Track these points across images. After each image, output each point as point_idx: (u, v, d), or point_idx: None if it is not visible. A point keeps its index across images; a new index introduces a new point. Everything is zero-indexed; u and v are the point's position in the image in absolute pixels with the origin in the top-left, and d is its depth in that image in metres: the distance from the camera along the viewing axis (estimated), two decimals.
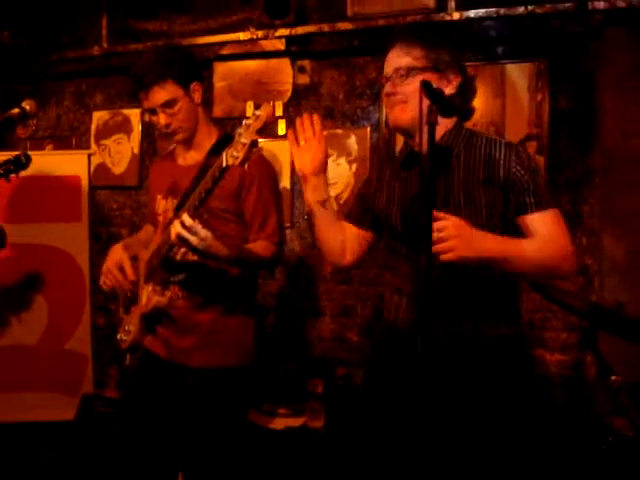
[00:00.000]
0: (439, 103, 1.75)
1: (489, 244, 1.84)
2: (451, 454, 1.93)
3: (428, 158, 1.75)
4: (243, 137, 1.99)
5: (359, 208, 2.31)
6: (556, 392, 3.54)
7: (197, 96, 2.47)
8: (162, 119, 2.40)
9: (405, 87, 2.03)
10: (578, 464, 2.94)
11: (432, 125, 1.76)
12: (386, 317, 2.18)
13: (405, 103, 2.03)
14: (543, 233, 1.96)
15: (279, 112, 4.01)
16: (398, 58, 2.05)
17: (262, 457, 3.23)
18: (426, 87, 1.77)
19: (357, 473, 2.13)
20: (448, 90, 2.03)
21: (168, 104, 2.38)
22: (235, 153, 1.99)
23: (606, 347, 2.86)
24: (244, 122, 2.02)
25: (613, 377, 2.39)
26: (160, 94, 2.36)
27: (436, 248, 1.72)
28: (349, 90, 3.94)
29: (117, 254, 2.47)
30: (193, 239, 2.08)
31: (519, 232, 1.99)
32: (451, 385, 1.95)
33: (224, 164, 2.03)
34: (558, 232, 1.97)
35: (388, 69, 2.07)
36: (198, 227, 2.08)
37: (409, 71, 2.02)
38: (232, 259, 2.26)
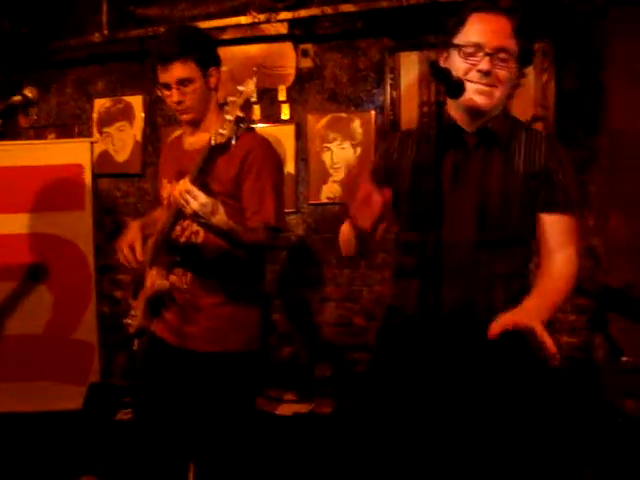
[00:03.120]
0: (445, 82, 1.72)
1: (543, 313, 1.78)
2: (462, 440, 1.91)
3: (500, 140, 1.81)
4: (228, 114, 2.05)
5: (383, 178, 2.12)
6: (565, 375, 3.53)
7: (213, 81, 2.48)
8: (175, 95, 2.41)
9: (506, 67, 1.90)
10: (589, 447, 2.94)
11: (439, 105, 1.73)
12: (393, 303, 2.13)
13: (496, 87, 1.91)
14: (554, 245, 1.94)
15: (282, 97, 3.98)
16: (504, 35, 1.89)
17: (270, 444, 3.22)
18: (433, 66, 1.74)
19: (366, 459, 2.12)
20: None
21: (184, 82, 2.39)
22: (222, 130, 2.06)
23: (615, 329, 2.86)
24: (228, 99, 2.07)
25: (624, 358, 2.37)
26: (179, 70, 2.38)
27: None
28: (353, 73, 3.90)
29: (132, 232, 2.45)
30: (193, 203, 2.07)
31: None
32: (462, 369, 1.90)
33: (212, 142, 2.08)
34: (569, 248, 1.95)
35: (492, 41, 1.87)
36: (198, 192, 2.08)
37: (509, 56, 1.90)
38: (232, 233, 2.24)
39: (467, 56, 1.89)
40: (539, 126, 3.49)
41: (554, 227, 1.96)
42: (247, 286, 2.50)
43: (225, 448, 2.47)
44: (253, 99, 2.10)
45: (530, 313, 1.74)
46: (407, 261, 2.05)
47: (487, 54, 1.86)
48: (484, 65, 1.86)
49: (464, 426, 1.91)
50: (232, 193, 2.40)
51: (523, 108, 3.52)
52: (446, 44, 1.95)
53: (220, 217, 2.15)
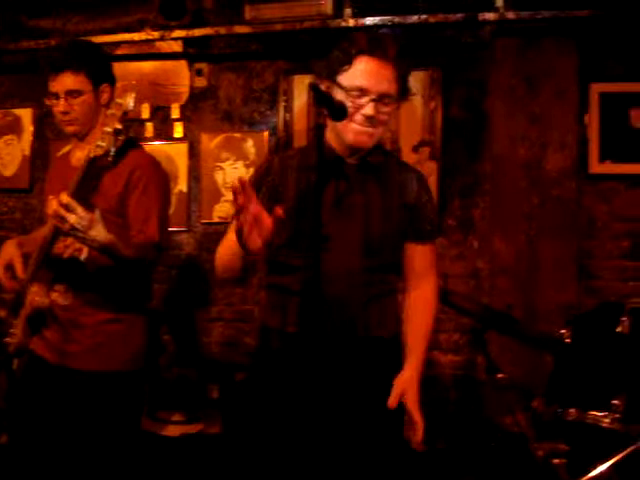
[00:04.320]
0: (328, 106, 1.77)
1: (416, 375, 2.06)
2: (340, 453, 1.97)
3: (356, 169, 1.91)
4: (107, 126, 2.06)
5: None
6: (449, 392, 3.63)
7: (104, 97, 2.46)
8: (62, 105, 2.39)
9: (387, 111, 2.01)
10: (471, 461, 3.02)
11: (320, 128, 1.77)
12: (268, 322, 2.16)
13: (377, 128, 2.01)
14: (420, 270, 2.15)
15: (176, 114, 3.97)
16: (388, 83, 1.98)
17: (157, 465, 3.16)
18: (314, 89, 1.78)
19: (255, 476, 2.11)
20: None
21: (73, 93, 2.38)
22: (100, 142, 2.06)
23: (496, 348, 2.96)
24: (107, 112, 2.10)
25: (500, 375, 2.46)
26: (70, 80, 2.37)
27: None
28: (247, 94, 3.93)
29: (8, 251, 2.38)
30: (70, 216, 2.03)
31: None
32: (337, 386, 1.98)
33: (91, 154, 2.09)
34: (432, 272, 2.18)
35: (378, 87, 1.96)
36: (76, 205, 2.04)
37: (392, 100, 2.00)
38: (112, 248, 2.20)
39: (352, 98, 1.96)
40: (426, 150, 3.61)
41: (421, 254, 2.15)
42: (132, 304, 2.47)
43: (108, 470, 2.40)
44: (130, 110, 2.10)
45: (413, 383, 2.02)
46: (285, 281, 2.09)
47: (372, 100, 1.95)
48: (369, 110, 1.95)
49: (343, 437, 1.99)
50: (117, 210, 2.37)
51: (411, 133, 3.64)
52: (329, 75, 2.01)
53: (98, 232, 2.11)
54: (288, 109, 3.78)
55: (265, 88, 3.90)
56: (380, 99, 1.96)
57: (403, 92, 2.04)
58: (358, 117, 1.97)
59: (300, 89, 3.76)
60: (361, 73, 1.96)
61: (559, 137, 3.50)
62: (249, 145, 3.84)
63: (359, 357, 2.03)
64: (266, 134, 3.83)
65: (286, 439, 1.98)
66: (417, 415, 1.97)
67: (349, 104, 1.93)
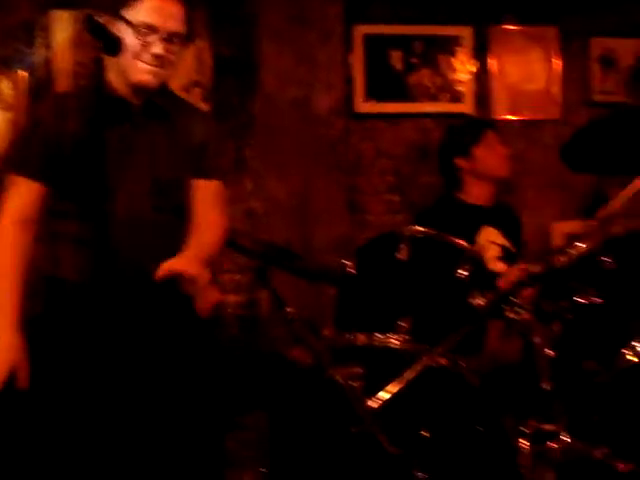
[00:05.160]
0: (104, 39, 1.69)
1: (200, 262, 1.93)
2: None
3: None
4: None
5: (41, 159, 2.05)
6: (234, 332, 3.67)
7: None
8: None
9: (175, 51, 1.98)
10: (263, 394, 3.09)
11: (98, 62, 1.72)
12: (52, 272, 2.09)
13: (165, 68, 1.98)
14: (205, 205, 2.12)
15: None
16: (177, 21, 1.95)
17: None
18: (89, 21, 1.69)
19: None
20: None
21: None
22: None
23: (278, 283, 3.02)
24: None
25: (288, 309, 2.51)
26: None
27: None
28: (2, 31, 3.61)
29: None
30: None
31: None
32: (132, 334, 1.95)
33: None
34: (218, 208, 2.16)
35: (167, 25, 1.92)
36: None
37: (180, 40, 1.98)
38: None
39: (140, 35, 1.89)
40: (197, 92, 3.55)
41: (205, 191, 2.14)
42: None
43: None
44: None
45: (190, 261, 1.88)
46: (69, 229, 2.02)
47: (163, 39, 1.91)
48: (158, 49, 1.91)
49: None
50: None
51: (182, 73, 3.55)
52: (113, 9, 1.93)
53: None
54: (47, 46, 3.53)
55: (23, 24, 3.60)
56: (169, 38, 1.92)
57: (191, 32, 2.02)
58: (146, 56, 1.91)
59: (61, 25, 3.53)
60: (150, 9, 1.90)
61: (326, 77, 3.60)
62: (5, 86, 3.56)
63: (155, 304, 2.01)
64: (23, 74, 3.56)
65: (83, 392, 1.94)
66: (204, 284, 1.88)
67: (136, 41, 1.88)
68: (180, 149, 2.08)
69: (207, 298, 1.94)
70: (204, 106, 3.51)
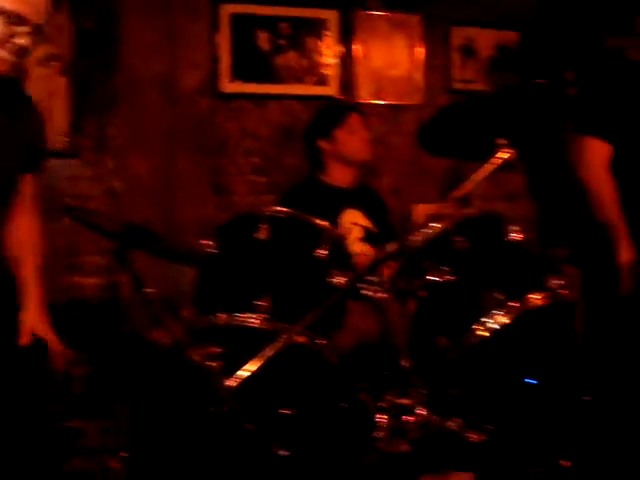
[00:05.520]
0: None
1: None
2: None
3: None
4: None
5: None
6: (94, 314, 3.57)
7: None
8: None
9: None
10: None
11: None
12: None
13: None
14: (26, 198, 2.23)
15: None
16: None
17: None
18: None
19: None
20: None
21: None
22: None
23: (139, 264, 2.95)
24: None
25: (148, 290, 2.46)
26: None
27: None
28: None
29: None
30: None
31: None
32: None
33: None
34: (37, 202, 2.26)
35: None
36: None
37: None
38: None
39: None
40: (56, 65, 3.40)
41: (27, 184, 2.22)
42: None
43: None
44: None
45: (43, 321, 2.08)
46: None
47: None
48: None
49: None
50: None
51: (40, 47, 3.38)
52: None
53: None
54: None
55: None
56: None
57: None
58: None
59: None
60: None
61: (193, 55, 3.56)
62: None
63: None
64: None
65: None
66: (55, 344, 2.04)
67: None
68: (14, 140, 2.09)
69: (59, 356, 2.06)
70: (63, 81, 3.37)
